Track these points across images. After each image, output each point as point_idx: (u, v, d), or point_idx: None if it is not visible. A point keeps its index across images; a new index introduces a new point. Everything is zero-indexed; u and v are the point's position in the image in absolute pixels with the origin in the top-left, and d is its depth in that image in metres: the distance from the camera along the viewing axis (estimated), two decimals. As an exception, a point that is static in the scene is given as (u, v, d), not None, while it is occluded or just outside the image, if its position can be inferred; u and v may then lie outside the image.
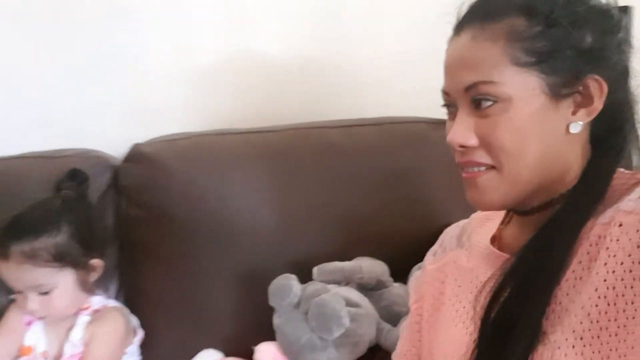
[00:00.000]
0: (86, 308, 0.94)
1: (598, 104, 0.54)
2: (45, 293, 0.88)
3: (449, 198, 0.95)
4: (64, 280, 0.90)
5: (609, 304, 0.50)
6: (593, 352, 0.49)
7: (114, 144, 1.12)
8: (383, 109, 1.16)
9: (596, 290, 0.51)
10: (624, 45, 0.56)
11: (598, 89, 0.54)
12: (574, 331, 0.50)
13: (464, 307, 0.62)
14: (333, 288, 0.95)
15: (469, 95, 0.55)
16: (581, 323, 0.50)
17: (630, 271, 0.49)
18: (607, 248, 0.51)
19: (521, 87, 0.53)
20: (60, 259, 0.89)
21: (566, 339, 0.50)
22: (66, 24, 1.12)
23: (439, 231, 0.73)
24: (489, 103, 0.54)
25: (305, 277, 0.96)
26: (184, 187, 1.03)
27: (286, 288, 0.93)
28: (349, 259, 1.01)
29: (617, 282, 0.50)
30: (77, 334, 0.92)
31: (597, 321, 0.50)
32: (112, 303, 0.99)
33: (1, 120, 1.13)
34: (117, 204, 1.07)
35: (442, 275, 0.68)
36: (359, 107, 1.19)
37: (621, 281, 0.49)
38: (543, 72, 0.53)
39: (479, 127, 0.55)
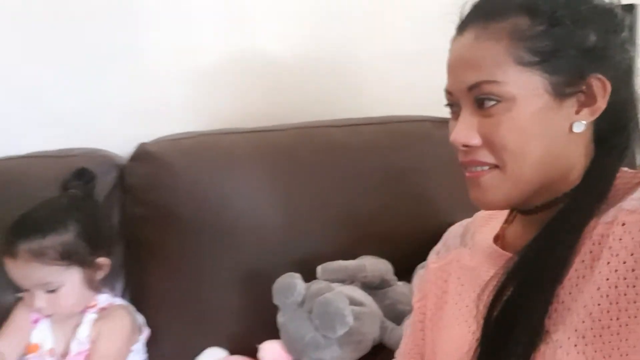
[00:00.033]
0: (93, 306, 0.95)
1: (601, 103, 0.54)
2: (53, 291, 0.89)
3: (452, 197, 0.95)
4: (71, 279, 0.91)
5: (611, 303, 0.50)
6: (595, 351, 0.49)
7: (120, 143, 1.12)
8: (385, 108, 1.16)
9: (598, 289, 0.51)
10: (627, 44, 0.56)
11: (601, 88, 0.54)
12: (576, 330, 0.51)
13: (466, 306, 0.62)
14: (337, 287, 0.95)
15: (472, 95, 0.55)
16: (583, 322, 0.50)
17: (633, 270, 0.49)
18: (610, 247, 0.51)
19: (524, 87, 0.53)
20: (68, 257, 0.90)
21: (568, 338, 0.51)
22: (69, 23, 1.12)
23: (443, 230, 0.73)
24: (492, 102, 0.54)
25: (309, 275, 0.97)
26: (189, 186, 1.04)
27: (290, 286, 0.94)
28: (353, 257, 1.01)
29: (619, 281, 0.50)
30: (84, 331, 0.93)
31: (600, 320, 0.50)
32: (119, 301, 1.00)
33: (9, 119, 1.14)
34: (122, 202, 1.08)
35: (445, 274, 0.68)
36: (361, 106, 1.20)
37: (623, 280, 0.49)
38: (546, 71, 0.53)
39: (482, 126, 0.55)
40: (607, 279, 0.50)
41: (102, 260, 0.95)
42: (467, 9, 0.58)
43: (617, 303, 0.49)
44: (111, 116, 1.16)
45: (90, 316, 0.94)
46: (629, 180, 0.55)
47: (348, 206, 1.04)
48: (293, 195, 1.04)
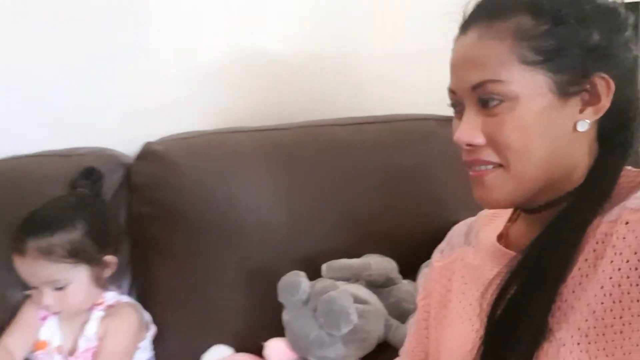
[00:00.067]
0: (100, 303, 0.96)
1: (605, 102, 0.54)
2: (60, 288, 0.90)
3: (456, 195, 0.95)
4: (79, 276, 0.92)
5: (614, 302, 0.50)
6: (598, 350, 0.49)
7: (121, 142, 1.13)
8: (388, 106, 1.16)
9: (602, 287, 0.51)
10: (631, 43, 0.56)
11: (605, 87, 0.54)
12: (579, 328, 0.51)
13: (470, 304, 0.62)
14: (342, 285, 0.96)
15: (475, 94, 0.55)
16: (586, 320, 0.51)
17: (636, 269, 0.49)
18: (614, 246, 0.51)
19: (528, 86, 0.53)
20: (75, 255, 0.91)
21: (571, 336, 0.51)
22: (70, 23, 1.12)
23: (447, 228, 0.73)
24: (496, 102, 0.54)
25: (314, 273, 0.97)
26: (194, 185, 1.04)
27: (295, 285, 0.94)
28: (358, 256, 1.01)
29: (622, 279, 0.50)
30: (92, 328, 0.94)
31: (603, 319, 0.50)
32: (126, 299, 1.01)
33: (9, 119, 1.13)
34: (129, 201, 1.08)
35: (449, 272, 0.68)
36: (364, 104, 1.20)
37: (627, 279, 0.50)
38: (550, 70, 0.53)
39: (486, 125, 0.55)
40: (611, 278, 0.50)
41: (109, 258, 0.96)
42: (471, 8, 0.58)
43: (620, 302, 0.49)
44: (112, 116, 1.16)
45: (97, 313, 0.95)
46: (632, 178, 0.55)
47: (352, 204, 1.05)
48: (298, 193, 1.05)
